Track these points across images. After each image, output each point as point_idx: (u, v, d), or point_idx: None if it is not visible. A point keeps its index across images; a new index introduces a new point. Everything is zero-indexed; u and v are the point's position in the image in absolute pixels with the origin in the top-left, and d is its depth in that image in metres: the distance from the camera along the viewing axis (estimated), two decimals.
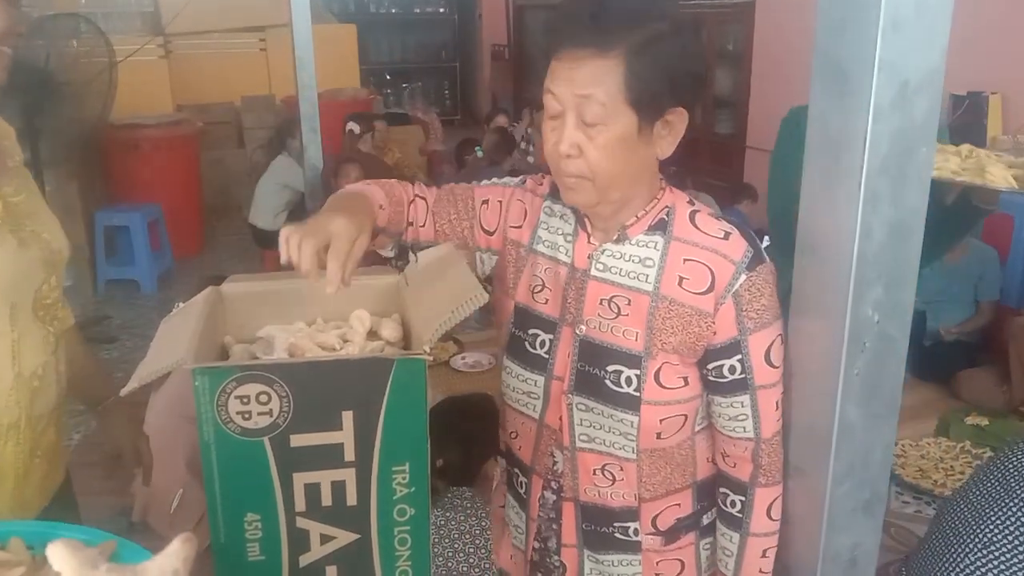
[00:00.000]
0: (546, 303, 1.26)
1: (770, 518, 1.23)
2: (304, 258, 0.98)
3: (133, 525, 2.83)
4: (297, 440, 0.96)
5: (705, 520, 1.33)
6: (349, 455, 0.97)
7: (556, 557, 1.36)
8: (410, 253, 1.26)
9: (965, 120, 4.27)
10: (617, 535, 1.30)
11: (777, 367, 1.18)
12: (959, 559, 1.49)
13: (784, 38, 5.91)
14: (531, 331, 1.27)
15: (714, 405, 1.23)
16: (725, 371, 1.19)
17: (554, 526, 1.35)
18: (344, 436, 0.97)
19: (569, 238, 1.25)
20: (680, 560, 1.32)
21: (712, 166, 6.85)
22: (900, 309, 1.01)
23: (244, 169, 7.15)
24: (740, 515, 1.25)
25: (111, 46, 4.90)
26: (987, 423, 3.64)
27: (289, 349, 1.05)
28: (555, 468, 1.32)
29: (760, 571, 1.26)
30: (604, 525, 1.30)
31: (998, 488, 1.54)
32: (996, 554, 1.47)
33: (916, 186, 0.97)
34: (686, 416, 1.23)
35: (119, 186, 6.27)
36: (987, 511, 1.51)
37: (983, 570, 1.46)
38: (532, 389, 1.28)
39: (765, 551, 1.24)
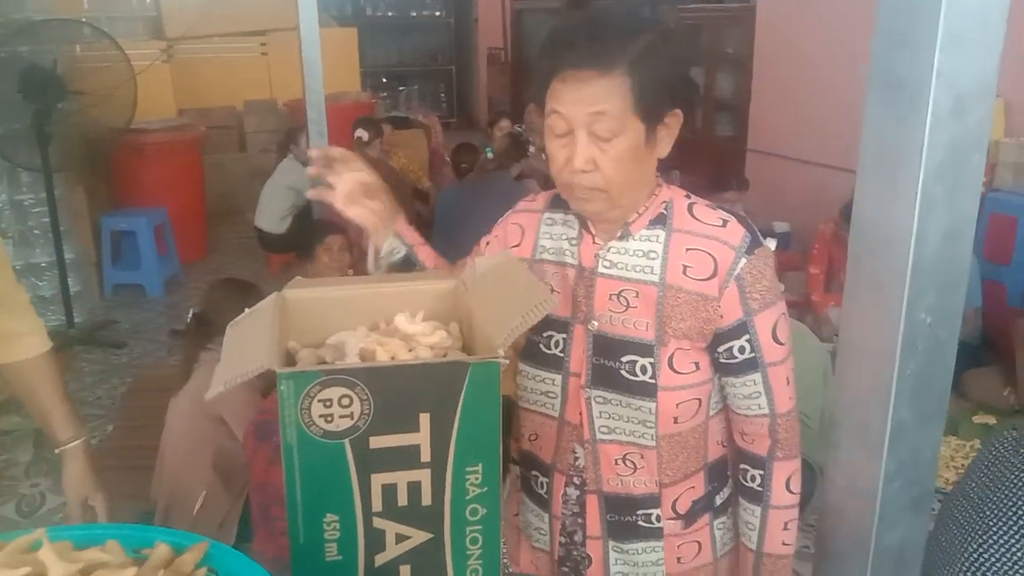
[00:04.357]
0: (556, 305, 1.31)
1: (789, 491, 1.29)
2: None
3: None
4: (376, 442, 0.98)
5: (718, 500, 1.38)
6: (425, 456, 1.00)
7: (582, 549, 1.40)
8: (469, 259, 1.30)
9: None
10: (641, 523, 1.34)
11: (784, 344, 1.25)
12: (963, 551, 1.54)
13: (785, 42, 5.96)
14: (545, 333, 1.33)
15: (728, 387, 1.29)
16: (735, 352, 1.25)
17: (579, 520, 1.39)
18: (421, 438, 0.99)
19: (574, 241, 1.31)
20: (698, 542, 1.38)
21: (712, 169, 6.88)
22: (950, 313, 1.04)
23: (247, 173, 7.17)
24: (760, 488, 1.30)
25: (125, 54, 4.89)
26: (995, 421, 3.69)
27: (361, 354, 1.07)
28: (576, 463, 1.36)
29: (783, 543, 1.31)
30: (628, 514, 1.34)
31: (990, 478, 1.58)
32: (996, 542, 1.50)
33: (969, 192, 1.00)
34: (700, 400, 1.28)
35: (124, 191, 6.28)
36: (983, 503, 1.56)
37: (985, 556, 1.50)
38: (550, 388, 1.33)
39: (787, 523, 1.30)
